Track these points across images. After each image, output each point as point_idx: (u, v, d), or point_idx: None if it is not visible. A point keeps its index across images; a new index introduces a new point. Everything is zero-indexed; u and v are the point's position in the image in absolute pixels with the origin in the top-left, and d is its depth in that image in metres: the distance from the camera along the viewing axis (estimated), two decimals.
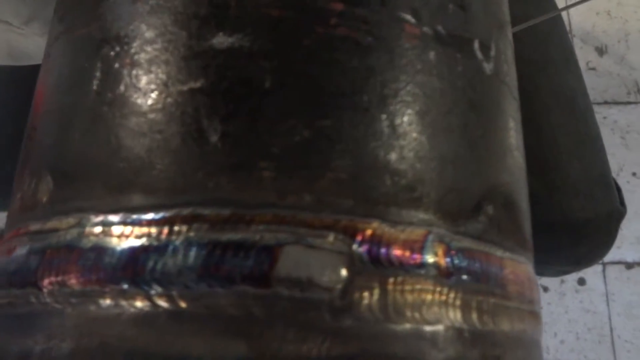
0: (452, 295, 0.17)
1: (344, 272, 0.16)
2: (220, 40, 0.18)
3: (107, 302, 0.16)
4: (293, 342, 0.15)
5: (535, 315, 0.21)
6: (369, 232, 0.17)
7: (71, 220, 0.18)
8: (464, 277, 0.18)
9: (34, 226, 0.19)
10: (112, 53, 0.19)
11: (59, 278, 0.17)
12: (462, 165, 0.19)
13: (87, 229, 0.17)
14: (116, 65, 0.18)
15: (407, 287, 0.17)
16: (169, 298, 0.16)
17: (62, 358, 0.16)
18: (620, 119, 0.88)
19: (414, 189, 0.18)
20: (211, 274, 0.16)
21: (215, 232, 0.16)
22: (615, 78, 0.88)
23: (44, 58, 0.23)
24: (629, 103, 0.89)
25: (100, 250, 0.16)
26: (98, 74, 0.19)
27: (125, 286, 0.16)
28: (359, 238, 0.16)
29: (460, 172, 0.19)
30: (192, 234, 0.16)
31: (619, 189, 0.57)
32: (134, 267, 0.16)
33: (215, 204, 0.16)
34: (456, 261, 0.18)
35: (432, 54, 0.19)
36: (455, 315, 0.17)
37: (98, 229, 0.17)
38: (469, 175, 0.19)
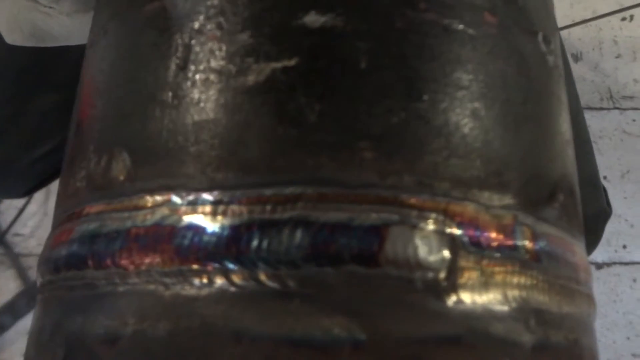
0: (540, 278, 0.17)
1: (447, 253, 0.16)
2: (313, 19, 0.18)
3: (207, 281, 0.16)
4: (402, 322, 0.15)
5: (594, 302, 0.21)
6: (467, 214, 0.17)
7: (158, 198, 0.17)
8: (549, 261, 0.18)
9: (110, 205, 0.18)
10: (197, 26, 0.18)
11: (150, 258, 0.16)
12: (540, 152, 0.19)
13: (178, 208, 0.17)
14: (201, 39, 0.18)
15: (502, 270, 0.17)
16: (276, 277, 0.15)
17: (158, 339, 0.16)
18: (593, 124, 0.91)
19: (502, 174, 0.18)
20: (320, 253, 0.15)
21: (320, 211, 0.16)
22: (589, 84, 0.92)
23: (95, 36, 0.22)
24: (602, 109, 0.93)
25: (198, 228, 0.16)
26: (180, 49, 0.18)
27: (229, 265, 0.15)
28: (458, 220, 0.17)
29: (539, 160, 0.19)
30: (296, 212, 0.16)
31: (605, 190, 0.59)
32: (237, 246, 0.15)
33: (317, 183, 0.16)
34: (542, 245, 0.18)
35: (508, 43, 0.20)
36: (543, 298, 0.17)
37: (191, 208, 0.16)
38: (546, 163, 0.20)
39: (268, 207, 0.16)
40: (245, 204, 0.16)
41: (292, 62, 0.17)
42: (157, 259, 0.16)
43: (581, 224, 0.22)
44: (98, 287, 0.17)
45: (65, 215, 0.20)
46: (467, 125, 0.18)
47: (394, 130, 0.17)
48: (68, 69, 0.43)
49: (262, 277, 0.15)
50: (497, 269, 0.17)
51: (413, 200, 0.16)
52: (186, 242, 0.16)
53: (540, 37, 0.22)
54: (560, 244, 0.19)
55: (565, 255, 0.19)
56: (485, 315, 0.16)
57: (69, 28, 0.30)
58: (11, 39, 0.32)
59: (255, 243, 0.15)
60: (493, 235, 0.17)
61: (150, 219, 0.17)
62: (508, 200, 0.18)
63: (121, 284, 0.17)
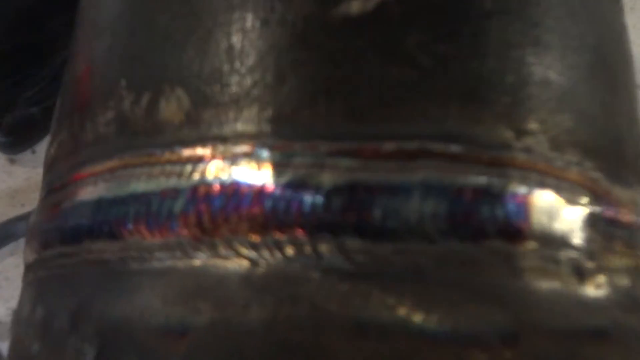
0: None
1: (591, 230, 0.14)
2: None
3: (315, 256, 0.12)
4: (550, 312, 0.13)
5: None
6: (602, 188, 0.14)
7: (236, 148, 0.13)
8: None
9: (161, 155, 0.14)
10: None
11: (231, 225, 0.12)
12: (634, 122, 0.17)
13: (265, 161, 0.13)
14: None
15: (629, 251, 0.15)
16: (405, 254, 0.12)
17: (249, 332, 0.12)
18: None
19: (620, 145, 0.16)
20: (460, 226, 0.12)
21: (453, 174, 0.13)
22: None
23: None
24: None
25: (298, 188, 0.12)
26: None
27: (345, 236, 0.12)
28: (595, 193, 0.14)
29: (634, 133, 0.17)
30: (425, 173, 0.13)
31: None
32: (357, 213, 0.12)
33: (443, 138, 0.13)
34: None
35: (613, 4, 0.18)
36: None
37: (285, 161, 0.13)
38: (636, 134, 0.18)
39: (391, 165, 0.12)
40: (360, 159, 0.13)
41: None
42: (243, 226, 0.12)
43: None
44: (146, 262, 0.13)
45: (76, 171, 0.16)
46: (590, 88, 0.15)
47: (527, 83, 0.14)
48: None
49: (387, 253, 0.12)
50: (626, 250, 0.15)
51: (551, 167, 0.14)
52: (283, 205, 0.12)
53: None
54: None
55: None
56: (630, 304, 0.14)
57: None
58: None
59: (378, 211, 0.12)
60: (627, 213, 0.15)
61: (227, 174, 0.13)
62: (626, 173, 0.16)
63: (183, 258, 0.13)
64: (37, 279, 0.16)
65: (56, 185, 0.16)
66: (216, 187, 0.13)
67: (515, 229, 0.13)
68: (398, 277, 0.12)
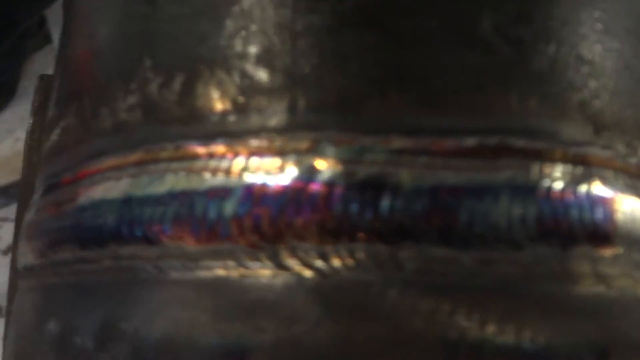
0: None
1: None
2: None
3: (394, 265, 0.11)
4: (635, 325, 0.12)
5: None
6: None
7: (293, 143, 0.11)
8: None
9: (205, 146, 0.12)
10: None
11: (295, 230, 0.11)
12: None
13: (331, 157, 0.11)
14: None
15: None
16: (490, 263, 0.11)
17: (322, 352, 0.10)
18: None
19: None
20: (549, 230, 0.11)
21: (538, 174, 0.11)
22: None
23: None
24: None
25: (372, 189, 0.11)
26: None
27: (428, 244, 0.11)
28: None
29: None
30: (510, 173, 0.11)
31: None
32: (443, 217, 0.11)
33: (524, 133, 0.12)
34: None
35: None
36: None
37: (354, 157, 0.11)
38: None
39: (475, 164, 0.11)
40: (440, 156, 0.11)
41: None
42: (309, 232, 0.11)
43: None
44: (190, 271, 0.11)
45: (90, 163, 0.14)
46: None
47: (601, 74, 0.13)
48: None
49: (473, 262, 0.11)
50: None
51: (627, 165, 0.13)
52: (356, 208, 0.11)
53: None
54: None
55: None
56: None
57: None
58: None
59: (465, 215, 0.11)
60: None
61: (286, 171, 0.11)
62: None
63: (237, 268, 0.11)
64: (44, 286, 0.14)
65: (65, 177, 0.14)
66: (276, 187, 0.11)
67: (603, 233, 0.12)
68: (485, 289, 0.11)
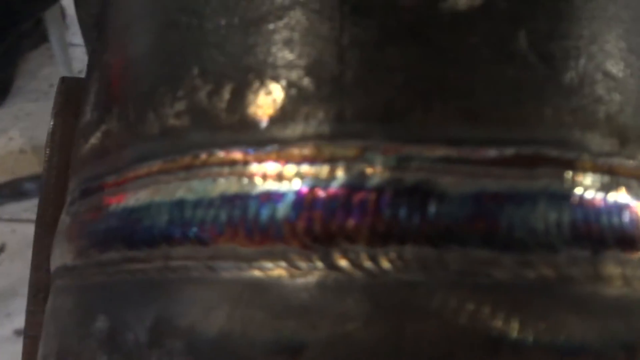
0: None
1: None
2: None
3: (440, 267, 0.11)
4: None
5: None
6: None
7: (340, 150, 0.12)
8: None
9: (254, 154, 0.12)
10: None
11: (347, 233, 0.11)
12: None
13: (379, 165, 0.12)
14: None
15: None
16: (531, 265, 0.12)
17: (371, 348, 0.11)
18: None
19: None
20: (582, 235, 0.12)
21: (570, 182, 0.12)
22: None
23: None
24: None
25: (418, 194, 0.12)
26: None
27: (472, 247, 0.11)
28: None
29: None
30: (546, 181, 0.12)
31: None
32: (486, 222, 0.11)
33: (557, 144, 0.12)
34: None
35: None
36: None
37: (402, 165, 0.12)
38: None
39: (514, 172, 0.12)
40: (482, 165, 0.12)
41: None
42: (361, 235, 0.11)
43: None
44: (243, 271, 0.12)
45: (138, 166, 0.14)
46: None
47: (624, 89, 0.14)
48: None
49: (513, 264, 0.12)
50: None
51: None
52: (405, 213, 0.11)
53: None
54: None
55: None
56: None
57: None
58: None
59: (505, 220, 0.12)
60: None
61: (336, 177, 0.12)
62: None
63: (290, 268, 0.12)
64: (90, 285, 0.14)
65: (108, 180, 0.15)
66: (327, 192, 0.12)
67: (630, 238, 0.12)
68: (524, 290, 0.12)
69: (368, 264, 0.12)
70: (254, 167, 0.12)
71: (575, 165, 0.12)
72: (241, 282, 0.12)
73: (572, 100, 0.13)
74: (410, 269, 0.11)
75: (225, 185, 0.13)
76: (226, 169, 0.13)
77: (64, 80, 0.24)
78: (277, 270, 0.12)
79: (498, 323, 0.11)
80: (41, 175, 0.24)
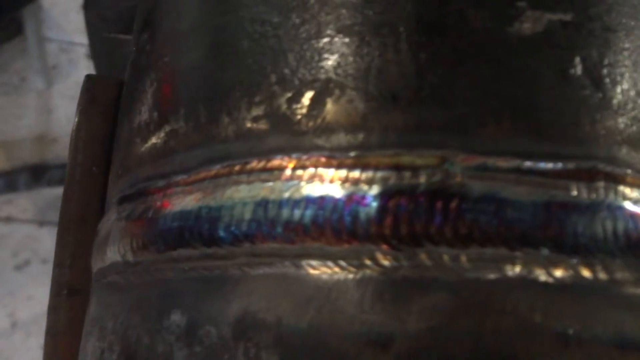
0: None
1: None
2: None
3: (517, 269, 0.12)
4: None
5: None
6: None
7: (419, 160, 0.13)
8: None
9: (339, 159, 0.13)
10: None
11: (431, 236, 0.12)
12: None
13: (459, 173, 0.13)
14: None
15: None
16: (593, 267, 0.13)
17: (458, 342, 0.12)
18: None
19: None
20: (635, 243, 0.13)
21: (621, 195, 0.14)
22: None
23: None
24: None
25: (498, 201, 0.13)
26: None
27: (545, 251, 0.12)
28: None
29: None
30: (604, 193, 0.13)
31: None
32: (556, 228, 0.13)
33: (610, 161, 0.14)
34: None
35: None
36: None
37: (480, 174, 0.13)
38: None
39: (576, 184, 0.13)
40: (548, 177, 0.13)
41: (567, 17, 0.15)
42: (446, 238, 0.12)
43: None
44: (328, 268, 0.13)
45: (212, 166, 0.15)
46: None
47: None
48: None
49: (580, 266, 0.13)
50: None
51: None
52: (485, 217, 0.13)
53: None
54: None
55: None
56: None
57: None
58: None
59: (572, 227, 0.13)
60: None
61: (420, 183, 0.13)
62: None
63: (375, 266, 0.13)
64: (159, 280, 0.15)
65: (177, 179, 0.15)
66: (414, 197, 0.13)
67: None
68: (586, 290, 0.13)
69: (451, 263, 0.13)
70: (336, 172, 0.13)
71: (625, 180, 0.14)
72: (329, 278, 0.13)
73: (619, 121, 0.14)
74: (488, 268, 0.12)
75: (310, 187, 0.13)
76: (308, 171, 0.14)
77: (90, 77, 0.24)
78: (364, 268, 0.13)
79: (566, 320, 0.12)
80: (65, 170, 0.24)
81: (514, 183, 0.13)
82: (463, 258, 0.13)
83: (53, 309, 0.22)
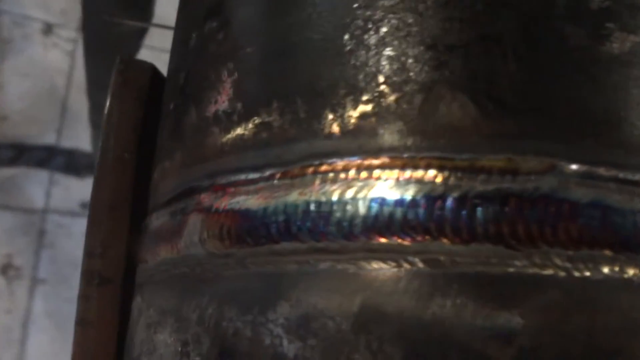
0: None
1: None
2: None
3: (616, 269, 0.13)
4: None
5: None
6: None
7: (532, 163, 0.14)
8: None
9: (457, 162, 0.14)
10: None
11: (545, 237, 0.13)
12: None
13: (568, 179, 0.14)
14: None
15: None
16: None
17: (575, 338, 0.13)
18: None
19: None
20: None
21: None
22: None
23: None
24: None
25: (604, 207, 0.14)
26: None
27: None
28: None
29: None
30: None
31: None
32: (615, 231, 0.14)
33: None
34: None
35: None
36: None
37: (579, 180, 0.14)
38: None
39: (631, 189, 0.14)
40: (611, 181, 0.14)
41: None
42: (561, 238, 0.13)
43: None
44: (457, 264, 0.13)
45: (309, 161, 0.15)
46: None
47: None
48: None
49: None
50: None
51: None
52: (595, 222, 0.14)
53: None
54: None
55: None
56: None
57: None
58: None
59: (630, 228, 0.14)
60: None
61: (540, 187, 0.14)
62: None
63: (493, 264, 0.13)
64: (257, 273, 0.15)
65: (273, 172, 0.15)
66: (532, 200, 0.13)
67: None
68: None
69: (563, 264, 0.13)
70: (451, 173, 0.14)
71: None
72: (450, 272, 0.13)
73: None
74: (597, 269, 0.14)
75: (424, 187, 0.14)
76: (420, 172, 0.14)
77: (121, 59, 0.23)
78: (483, 265, 0.13)
79: None
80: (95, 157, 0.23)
81: (614, 191, 0.14)
82: (574, 259, 0.13)
83: (84, 298, 0.21)
